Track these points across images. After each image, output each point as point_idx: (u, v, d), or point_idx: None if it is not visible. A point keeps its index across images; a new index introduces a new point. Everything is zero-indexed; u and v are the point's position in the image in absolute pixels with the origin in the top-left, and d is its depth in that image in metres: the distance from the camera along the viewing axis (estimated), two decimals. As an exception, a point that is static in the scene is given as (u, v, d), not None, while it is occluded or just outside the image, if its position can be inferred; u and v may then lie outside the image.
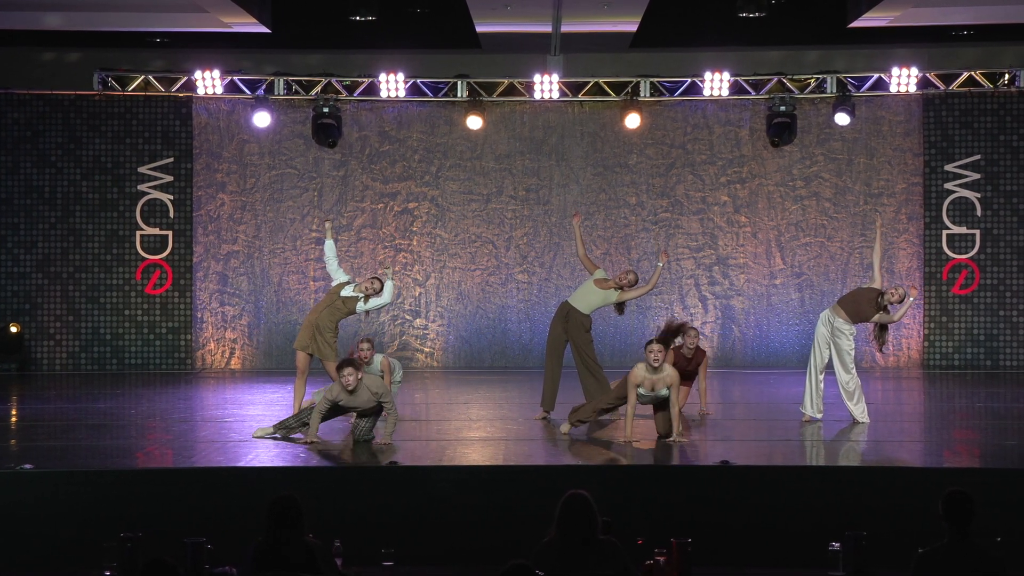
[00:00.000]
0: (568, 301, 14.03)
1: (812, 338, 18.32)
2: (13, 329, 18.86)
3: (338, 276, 13.73)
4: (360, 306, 13.48)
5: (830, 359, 13.43)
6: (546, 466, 11.20)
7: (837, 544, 7.76)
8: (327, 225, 14.05)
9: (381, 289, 13.47)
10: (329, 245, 13.80)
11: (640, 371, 11.97)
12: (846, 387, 13.34)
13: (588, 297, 13.89)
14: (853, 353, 13.43)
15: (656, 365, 11.91)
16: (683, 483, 10.57)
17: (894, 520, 9.81)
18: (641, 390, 12.00)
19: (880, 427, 13.34)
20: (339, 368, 11.83)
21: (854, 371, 13.36)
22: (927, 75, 18.92)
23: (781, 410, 14.66)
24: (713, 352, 19.13)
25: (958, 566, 6.75)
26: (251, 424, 13.31)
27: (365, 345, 13.44)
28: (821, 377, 13.45)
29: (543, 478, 10.50)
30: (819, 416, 13.44)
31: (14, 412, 15.29)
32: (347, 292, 13.54)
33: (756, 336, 19.40)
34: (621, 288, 13.82)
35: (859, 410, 13.31)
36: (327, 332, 13.46)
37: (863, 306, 13.31)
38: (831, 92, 19.01)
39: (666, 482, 10.61)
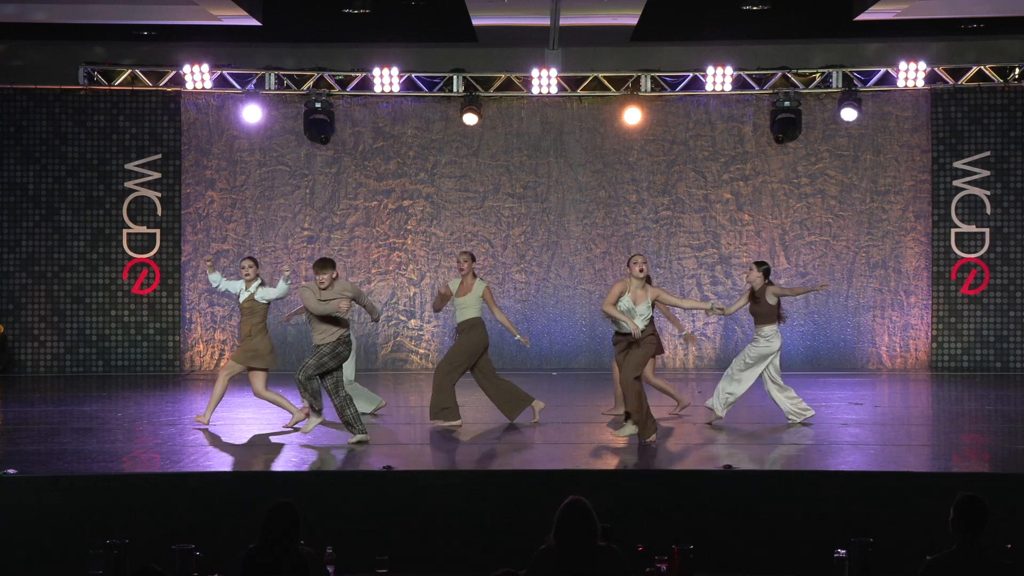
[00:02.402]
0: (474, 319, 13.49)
1: (817, 339, 17.94)
2: (-4, 330, 18.66)
3: (234, 287, 13.40)
4: (246, 293, 13.21)
5: (778, 365, 13.37)
6: (544, 471, 10.99)
7: (843, 551, 7.61)
8: (207, 263, 13.70)
9: (255, 277, 13.21)
10: (214, 277, 13.48)
11: (620, 285, 12.11)
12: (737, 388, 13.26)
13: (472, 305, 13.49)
14: (751, 358, 13.25)
15: (640, 276, 12.06)
16: (685, 488, 10.37)
17: (901, 526, 9.64)
18: (625, 301, 12.01)
19: (887, 431, 13.23)
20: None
21: (747, 375, 13.26)
22: (935, 69, 18.67)
23: (785, 413, 14.34)
24: (716, 353, 19.00)
25: (968, 574, 6.52)
26: (241, 427, 13.14)
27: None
28: (779, 384, 13.33)
29: (541, 483, 10.30)
30: (806, 415, 13.26)
31: (-4, 415, 15.08)
32: (244, 294, 13.29)
33: (760, 337, 19.08)
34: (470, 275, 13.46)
35: (719, 403, 13.30)
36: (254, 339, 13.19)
37: (763, 307, 13.20)
38: (837, 87, 18.81)
39: (667, 487, 10.43)
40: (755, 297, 13.29)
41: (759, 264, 13.46)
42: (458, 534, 9.92)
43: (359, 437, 12.00)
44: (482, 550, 9.61)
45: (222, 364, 13.41)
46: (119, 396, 16.68)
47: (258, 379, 13.13)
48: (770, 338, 13.18)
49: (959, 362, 18.80)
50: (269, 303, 13.29)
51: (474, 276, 13.47)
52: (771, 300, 13.24)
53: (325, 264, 12.19)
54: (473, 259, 13.60)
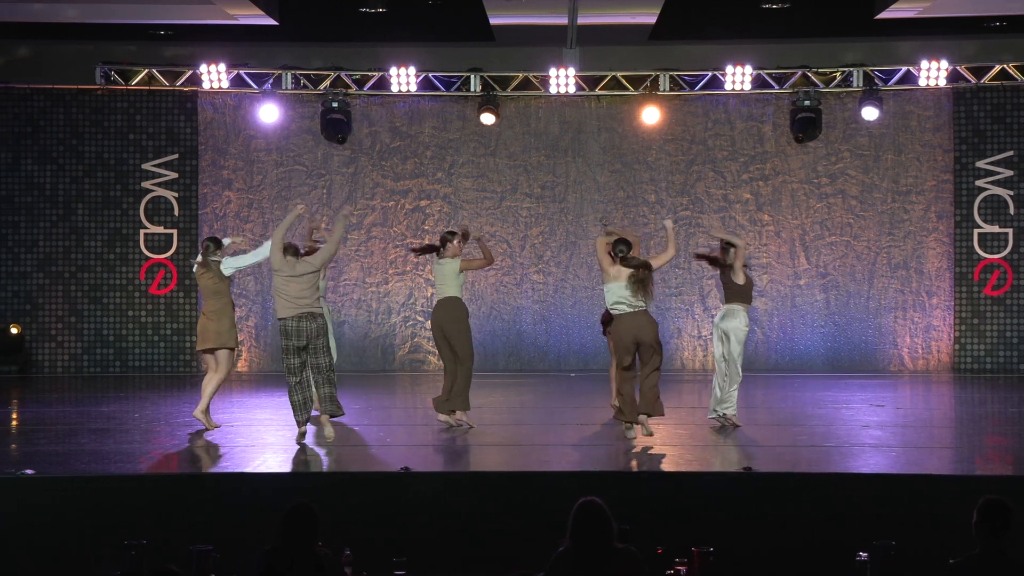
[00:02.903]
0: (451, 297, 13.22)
1: (838, 340, 17.66)
2: (14, 330, 18.61)
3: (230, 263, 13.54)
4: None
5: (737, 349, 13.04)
6: (563, 472, 10.90)
7: (865, 554, 7.58)
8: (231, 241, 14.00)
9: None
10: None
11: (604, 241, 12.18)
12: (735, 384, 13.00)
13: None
14: (729, 351, 13.03)
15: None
16: (705, 490, 10.27)
17: (924, 529, 9.50)
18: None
19: (909, 433, 13.09)
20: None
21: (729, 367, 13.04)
22: (957, 68, 18.52)
23: (806, 415, 14.30)
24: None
25: (991, 578, 6.47)
26: (258, 428, 13.17)
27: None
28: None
29: (559, 485, 10.21)
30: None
31: (15, 415, 15.01)
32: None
33: (780, 338, 18.98)
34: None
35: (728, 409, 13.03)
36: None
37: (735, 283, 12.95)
38: (857, 86, 18.67)
39: (687, 489, 10.33)
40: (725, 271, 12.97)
41: (729, 246, 13.12)
42: (475, 535, 9.84)
43: (299, 431, 11.88)
44: (500, 552, 9.50)
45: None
46: (136, 396, 16.66)
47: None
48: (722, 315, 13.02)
49: (982, 364, 18.65)
50: (216, 282, 13.19)
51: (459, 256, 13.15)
52: (738, 279, 12.92)
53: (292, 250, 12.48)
54: (456, 238, 13.20)
